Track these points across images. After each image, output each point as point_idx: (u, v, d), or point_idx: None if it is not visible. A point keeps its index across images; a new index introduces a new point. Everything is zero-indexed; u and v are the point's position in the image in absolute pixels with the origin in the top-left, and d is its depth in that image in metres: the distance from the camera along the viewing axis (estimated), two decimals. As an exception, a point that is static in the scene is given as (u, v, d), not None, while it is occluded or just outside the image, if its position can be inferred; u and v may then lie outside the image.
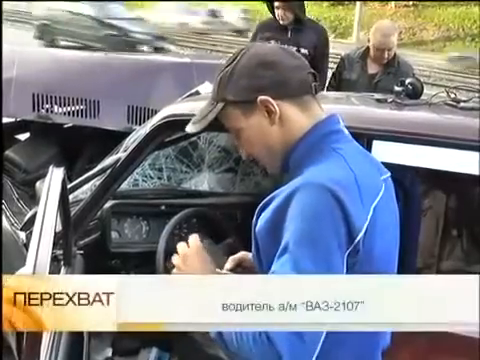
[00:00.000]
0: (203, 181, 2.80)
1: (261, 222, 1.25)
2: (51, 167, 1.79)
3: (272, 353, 1.11)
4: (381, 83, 3.85)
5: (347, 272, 1.18)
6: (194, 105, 2.28)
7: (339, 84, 4.06)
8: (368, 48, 4.00)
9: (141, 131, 2.36)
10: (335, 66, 4.21)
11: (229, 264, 1.53)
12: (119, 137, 2.78)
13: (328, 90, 4.01)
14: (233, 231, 2.52)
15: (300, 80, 1.29)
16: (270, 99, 1.27)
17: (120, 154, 2.30)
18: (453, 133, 1.84)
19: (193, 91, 2.62)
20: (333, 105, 2.37)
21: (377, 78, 3.92)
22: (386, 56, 3.90)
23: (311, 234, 1.16)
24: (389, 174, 1.36)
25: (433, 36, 18.64)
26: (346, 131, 1.35)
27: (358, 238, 1.18)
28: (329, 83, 4.17)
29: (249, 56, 1.29)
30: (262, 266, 1.28)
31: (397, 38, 4.05)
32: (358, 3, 18.56)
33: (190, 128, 1.39)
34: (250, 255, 1.50)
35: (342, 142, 1.31)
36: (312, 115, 1.32)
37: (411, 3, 19.89)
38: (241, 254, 1.56)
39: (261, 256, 1.28)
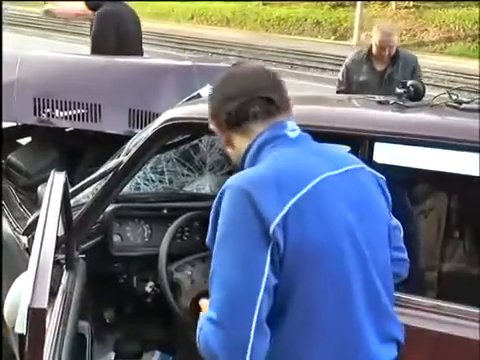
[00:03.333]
0: (205, 184, 2.80)
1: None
2: (53, 171, 1.79)
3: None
4: (392, 76, 4.19)
5: (280, 265, 1.27)
6: (195, 108, 2.28)
7: (350, 87, 4.33)
8: (370, 49, 4.25)
9: (143, 134, 2.36)
10: (341, 71, 4.55)
11: None
12: (120, 141, 2.78)
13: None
14: None
15: (228, 112, 1.45)
16: (214, 127, 1.52)
17: (122, 158, 2.30)
18: (455, 135, 1.83)
19: (194, 94, 2.62)
20: (334, 107, 2.37)
21: (387, 72, 4.24)
22: (387, 53, 4.20)
23: (228, 236, 1.30)
24: (351, 167, 1.45)
25: (434, 37, 18.61)
26: (293, 134, 1.46)
27: (271, 230, 1.26)
28: (338, 88, 4.38)
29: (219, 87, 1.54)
30: None
31: (398, 39, 4.41)
32: (358, 5, 18.55)
33: None
34: None
35: (281, 145, 1.43)
36: (254, 135, 1.46)
37: (411, 4, 19.87)
38: None
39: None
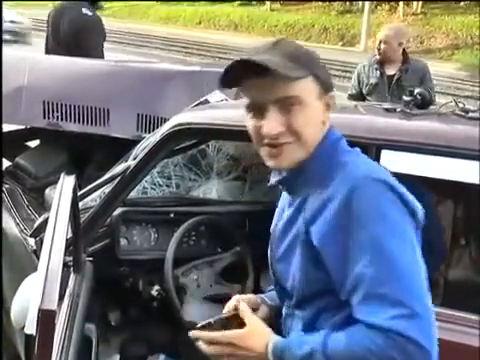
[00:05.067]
0: (212, 189, 2.81)
1: (319, 232, 1.20)
2: (62, 174, 1.80)
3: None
4: (400, 81, 4.31)
5: None
6: (203, 114, 2.30)
7: (361, 91, 4.49)
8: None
9: (151, 139, 2.38)
10: (352, 76, 4.74)
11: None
12: (128, 145, 2.80)
13: (349, 99, 4.38)
14: (241, 239, 2.52)
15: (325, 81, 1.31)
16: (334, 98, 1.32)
17: (130, 162, 2.31)
18: (461, 143, 1.84)
19: (202, 99, 2.63)
20: (341, 114, 2.38)
21: (396, 77, 4.35)
22: (383, 49, 4.33)
23: (396, 231, 1.15)
24: None
25: (441, 44, 18.62)
26: None
27: (419, 219, 1.21)
28: (350, 92, 4.52)
29: (305, 47, 1.33)
30: (329, 276, 1.21)
31: (405, 45, 4.49)
32: (366, 11, 18.57)
33: (272, 63, 1.21)
34: (251, 297, 1.50)
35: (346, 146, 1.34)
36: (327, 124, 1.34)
37: (419, 11, 19.89)
38: (242, 299, 1.46)
39: (327, 265, 1.20)
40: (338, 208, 1.17)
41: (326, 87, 1.29)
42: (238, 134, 2.08)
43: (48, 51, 4.29)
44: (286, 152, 1.26)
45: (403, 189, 1.21)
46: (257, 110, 1.26)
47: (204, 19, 23.00)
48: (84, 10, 4.21)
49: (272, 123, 1.24)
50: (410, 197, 1.22)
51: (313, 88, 1.26)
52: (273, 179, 1.38)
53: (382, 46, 4.35)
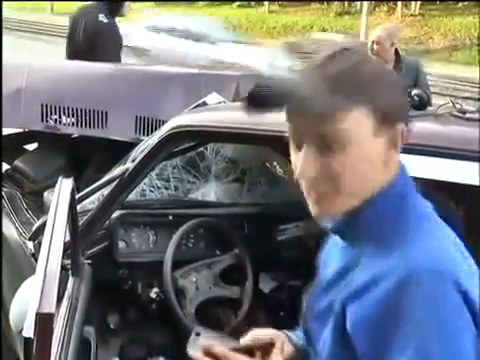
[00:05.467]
0: (210, 191, 2.81)
1: (355, 316, 0.98)
2: (60, 177, 1.80)
3: None
4: None
5: None
6: (201, 116, 2.30)
7: None
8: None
9: (149, 141, 2.38)
10: None
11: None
12: (127, 147, 2.80)
13: None
14: (240, 241, 2.52)
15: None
16: (407, 133, 1.03)
17: (128, 164, 2.31)
18: (458, 144, 1.84)
19: (200, 102, 2.64)
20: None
21: None
22: (376, 49, 4.34)
23: (453, 347, 0.91)
24: None
25: (439, 45, 18.64)
26: None
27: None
28: None
29: (373, 63, 1.02)
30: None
31: (398, 45, 4.57)
32: (364, 13, 18.60)
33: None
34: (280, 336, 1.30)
35: (423, 200, 1.05)
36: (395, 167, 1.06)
37: (417, 12, 19.93)
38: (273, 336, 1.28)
39: (357, 352, 0.99)
40: (384, 298, 0.93)
41: (391, 118, 1.00)
42: (236, 136, 2.09)
43: (68, 56, 4.37)
44: (327, 202, 1.01)
45: (470, 281, 0.95)
46: (296, 143, 1.03)
47: (203, 21, 23.17)
48: (100, 17, 4.29)
49: (305, 164, 0.99)
50: (475, 292, 0.95)
51: (364, 122, 0.97)
52: (326, 223, 1.10)
53: (375, 47, 4.39)
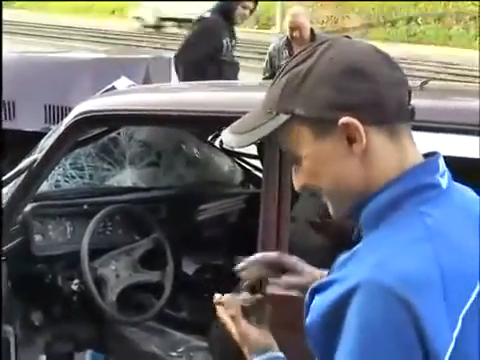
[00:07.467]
0: (126, 177, 2.76)
1: (313, 313, 0.93)
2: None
3: None
4: None
5: None
6: (108, 100, 2.25)
7: (274, 74, 4.42)
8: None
9: (56, 130, 2.31)
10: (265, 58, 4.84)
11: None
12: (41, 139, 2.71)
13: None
14: (157, 225, 2.50)
15: (399, 101, 0.94)
16: (357, 123, 0.92)
17: (36, 155, 2.24)
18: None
19: (109, 87, 2.58)
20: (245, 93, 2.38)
21: None
22: (299, 35, 4.41)
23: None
24: None
25: (355, 23, 19.11)
26: (445, 181, 0.96)
27: None
28: (263, 75, 4.77)
29: (333, 57, 0.95)
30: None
31: (309, 22, 4.67)
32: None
33: (232, 140, 1.02)
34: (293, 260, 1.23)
35: (434, 204, 0.93)
36: (404, 153, 0.95)
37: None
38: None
39: (313, 346, 0.96)
40: (333, 301, 0.89)
41: (324, 117, 0.93)
42: (144, 119, 2.06)
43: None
44: (331, 204, 1.01)
45: (425, 304, 0.84)
46: None
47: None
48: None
49: (293, 178, 1.02)
50: (432, 318, 0.84)
51: (300, 130, 0.95)
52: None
53: (295, 34, 4.45)
